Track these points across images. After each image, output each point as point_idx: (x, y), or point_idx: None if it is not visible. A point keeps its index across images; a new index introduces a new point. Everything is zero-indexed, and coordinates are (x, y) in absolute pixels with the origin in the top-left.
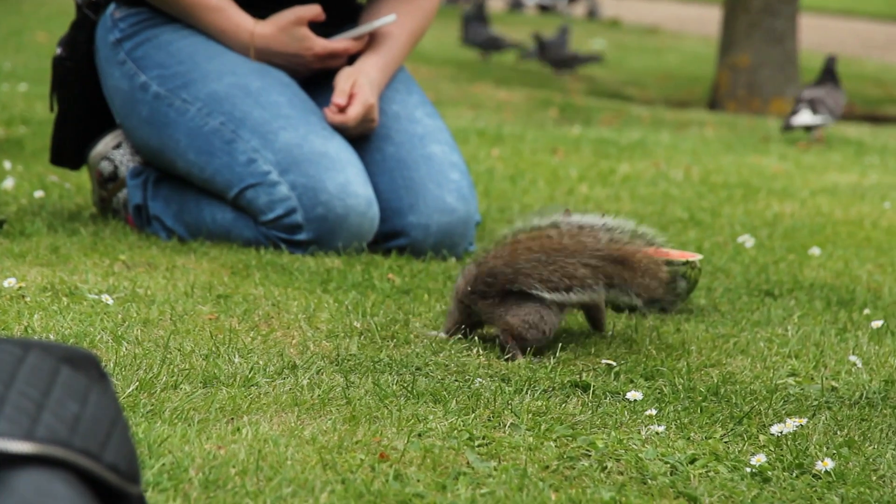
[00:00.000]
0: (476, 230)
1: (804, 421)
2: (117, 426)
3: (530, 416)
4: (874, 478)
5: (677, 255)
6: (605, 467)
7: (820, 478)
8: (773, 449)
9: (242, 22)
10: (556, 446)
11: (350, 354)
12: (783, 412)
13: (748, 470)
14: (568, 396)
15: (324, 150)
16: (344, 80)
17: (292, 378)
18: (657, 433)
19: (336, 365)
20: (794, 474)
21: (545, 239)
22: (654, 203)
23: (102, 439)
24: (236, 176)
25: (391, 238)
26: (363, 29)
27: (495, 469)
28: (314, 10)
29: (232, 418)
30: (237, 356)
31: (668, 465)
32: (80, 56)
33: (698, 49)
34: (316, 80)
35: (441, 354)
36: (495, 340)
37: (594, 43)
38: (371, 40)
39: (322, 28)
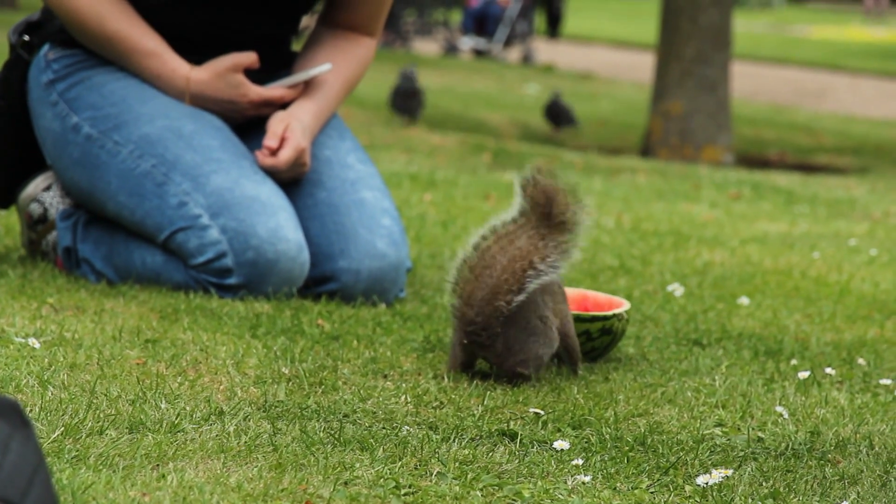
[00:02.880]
0: (407, 276)
1: (730, 472)
2: (39, 474)
3: (457, 464)
4: None
5: (605, 300)
6: None
7: None
8: (698, 500)
9: (178, 67)
10: (482, 496)
11: (277, 401)
12: (709, 463)
13: None
14: (495, 445)
15: (255, 195)
16: (276, 124)
17: (219, 424)
18: (584, 483)
19: (263, 411)
20: None
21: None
22: (584, 250)
23: (23, 487)
24: (167, 219)
25: (321, 283)
26: (299, 77)
27: None
28: (250, 58)
29: (157, 465)
30: (164, 402)
31: None
32: (12, 96)
33: (631, 95)
34: (249, 124)
35: (369, 401)
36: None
37: (528, 88)
38: (305, 86)
39: (256, 75)
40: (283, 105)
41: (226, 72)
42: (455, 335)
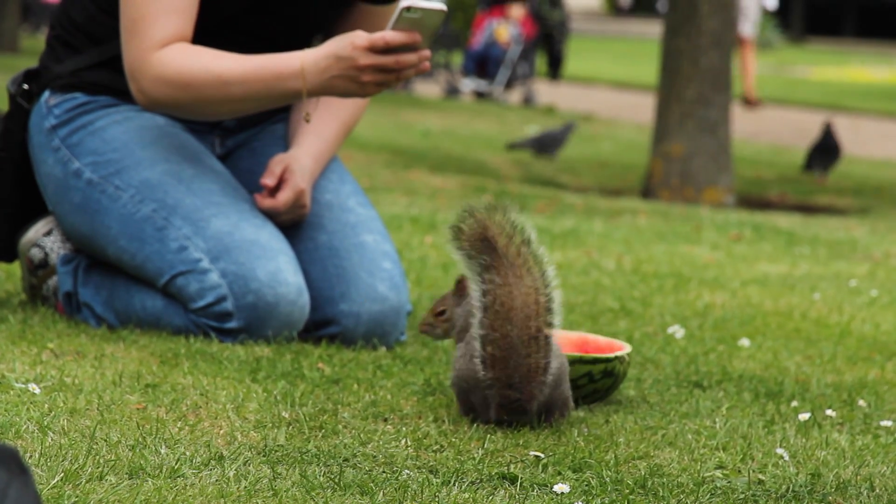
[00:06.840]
0: (407, 319)
1: None
2: None
3: None
4: None
5: (605, 344)
6: None
7: None
8: None
9: (291, 58)
10: None
11: (278, 445)
12: None
13: None
14: (495, 489)
15: (255, 238)
16: (275, 166)
17: (219, 469)
18: None
19: (263, 456)
20: None
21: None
22: (585, 293)
23: None
24: (167, 263)
25: (322, 326)
26: (398, 16)
27: None
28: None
29: None
30: (164, 447)
31: None
32: (14, 147)
33: (632, 137)
34: (249, 167)
35: (369, 445)
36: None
37: (529, 130)
38: (303, 129)
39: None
40: (284, 147)
41: (335, 39)
42: (475, 395)
